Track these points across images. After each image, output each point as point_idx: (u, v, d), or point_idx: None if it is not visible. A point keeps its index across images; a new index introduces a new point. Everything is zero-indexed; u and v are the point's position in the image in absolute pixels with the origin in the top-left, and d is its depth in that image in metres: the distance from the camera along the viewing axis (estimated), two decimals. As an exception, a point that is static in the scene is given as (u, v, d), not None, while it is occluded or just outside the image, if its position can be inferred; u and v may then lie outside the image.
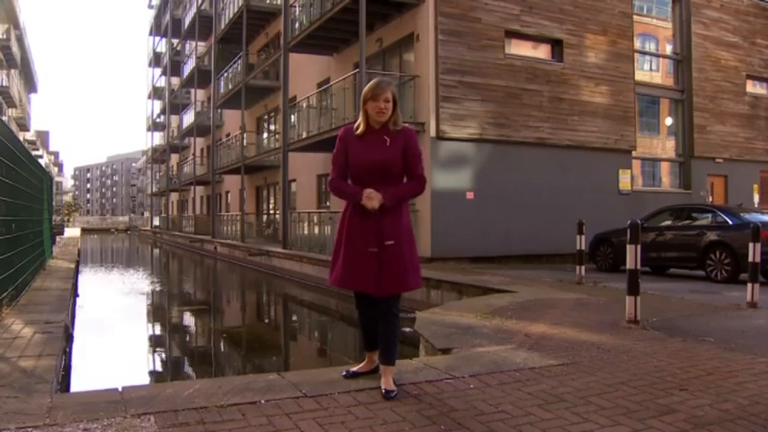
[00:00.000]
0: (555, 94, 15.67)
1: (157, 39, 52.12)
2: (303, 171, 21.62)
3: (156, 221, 54.94)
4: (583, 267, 10.06)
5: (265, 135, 28.75)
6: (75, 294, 11.73)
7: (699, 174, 18.92)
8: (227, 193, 34.34)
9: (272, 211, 27.64)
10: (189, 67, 37.51)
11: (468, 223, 14.28)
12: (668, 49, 19.27)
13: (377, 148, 3.67)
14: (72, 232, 43.00)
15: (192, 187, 37.14)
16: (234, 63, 27.19)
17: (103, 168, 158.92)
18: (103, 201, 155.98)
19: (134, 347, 9.56)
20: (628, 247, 6.09)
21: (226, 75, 28.60)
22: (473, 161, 14.60)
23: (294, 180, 22.54)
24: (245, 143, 25.73)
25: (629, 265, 6.06)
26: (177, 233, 39.16)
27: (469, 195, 14.43)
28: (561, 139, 15.70)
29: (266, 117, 28.37)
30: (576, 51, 16.14)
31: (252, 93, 25.47)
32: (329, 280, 3.81)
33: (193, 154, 37.01)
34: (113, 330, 10.74)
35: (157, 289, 16.86)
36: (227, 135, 32.05)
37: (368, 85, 3.72)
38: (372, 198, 3.58)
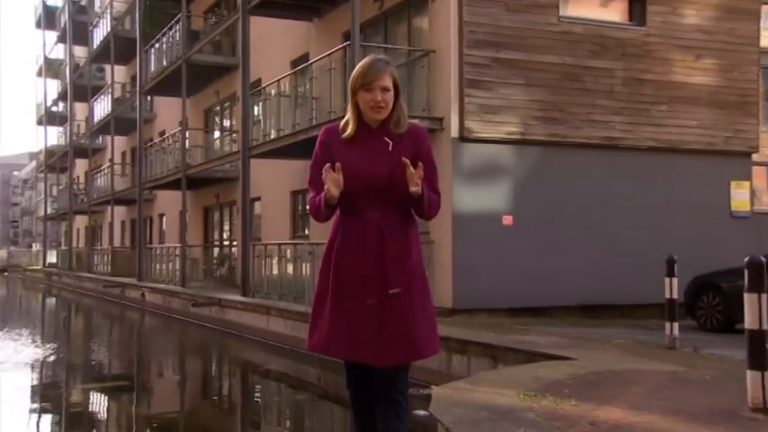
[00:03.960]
0: (633, 74, 15.74)
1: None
2: (271, 186, 21.74)
3: (52, 257, 54.86)
4: (676, 325, 10.00)
5: (217, 134, 28.90)
6: None
7: None
8: (162, 216, 34.41)
9: (226, 243, 27.68)
10: (101, 32, 37.52)
11: (504, 260, 14.32)
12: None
13: (375, 156, 3.74)
14: None
15: (109, 208, 37.22)
16: (170, 29, 27.38)
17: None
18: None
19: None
20: (746, 296, 5.91)
21: (158, 46, 28.76)
22: (512, 172, 14.71)
23: (259, 198, 22.65)
24: (187, 145, 25.88)
25: (750, 323, 5.87)
26: (85, 275, 39.15)
27: (506, 220, 14.50)
28: (641, 138, 15.76)
29: (218, 109, 28.55)
30: (666, 8, 16.15)
31: (197, 73, 25.66)
32: (309, 343, 3.87)
33: (111, 160, 37.13)
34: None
35: (50, 358, 16.64)
36: (162, 133, 32.22)
37: (357, 68, 3.79)
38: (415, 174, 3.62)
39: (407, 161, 3.62)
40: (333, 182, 3.65)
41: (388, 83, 3.72)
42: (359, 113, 3.78)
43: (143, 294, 27.27)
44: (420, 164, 3.65)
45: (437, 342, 3.83)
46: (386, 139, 3.76)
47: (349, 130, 3.80)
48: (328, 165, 3.65)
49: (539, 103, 14.87)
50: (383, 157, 3.73)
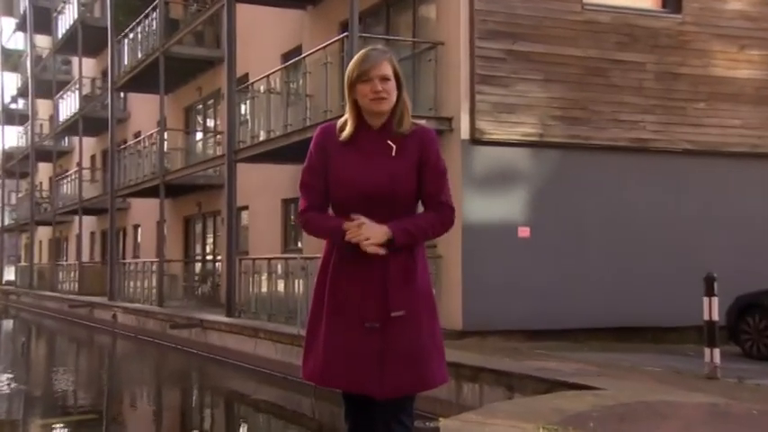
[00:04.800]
0: (666, 68, 15.73)
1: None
2: (260, 193, 21.77)
3: (10, 274, 54.77)
4: (717, 351, 9.96)
5: (199, 136, 28.93)
6: None
7: None
8: (137, 227, 34.43)
9: (209, 257, 27.68)
10: (67, 19, 37.44)
11: (520, 276, 14.33)
12: None
13: (376, 161, 3.74)
14: None
15: (77, 218, 37.19)
16: (146, 17, 27.41)
17: None
18: None
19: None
20: None
21: (132, 36, 28.80)
22: (529, 178, 14.74)
23: (246, 207, 22.69)
24: (166, 148, 25.90)
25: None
26: (48, 293, 39.16)
27: (523, 232, 14.51)
28: (676, 140, 15.74)
29: (200, 107, 28.61)
30: (705, -8, 16.15)
31: (177, 67, 25.70)
32: (304, 372, 3.87)
33: (78, 164, 37.11)
34: None
35: (5, 389, 16.63)
36: (137, 135, 32.28)
37: (352, 61, 3.78)
38: (369, 232, 3.61)
39: (390, 234, 3.64)
40: (359, 235, 3.64)
41: (388, 71, 3.70)
42: (358, 111, 3.77)
43: (114, 315, 27.27)
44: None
45: (445, 370, 3.82)
46: (389, 142, 3.75)
47: (347, 131, 3.79)
48: (359, 220, 3.63)
49: (559, 101, 14.89)
50: (385, 163, 3.72)
